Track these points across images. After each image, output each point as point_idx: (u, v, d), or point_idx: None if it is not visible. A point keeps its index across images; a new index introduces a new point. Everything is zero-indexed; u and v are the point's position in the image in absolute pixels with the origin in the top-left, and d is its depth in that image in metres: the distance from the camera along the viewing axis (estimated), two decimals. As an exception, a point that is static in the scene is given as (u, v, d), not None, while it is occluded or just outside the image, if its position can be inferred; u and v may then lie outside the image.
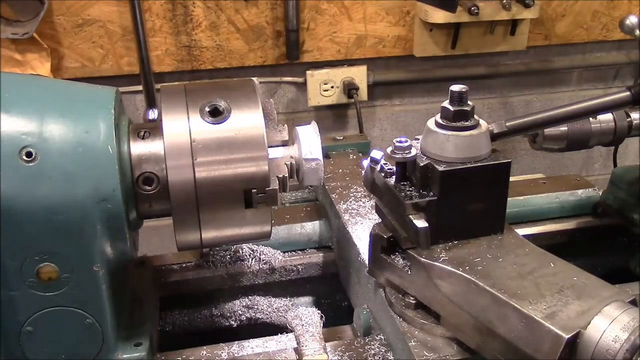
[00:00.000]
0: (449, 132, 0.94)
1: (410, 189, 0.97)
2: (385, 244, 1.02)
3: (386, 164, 1.02)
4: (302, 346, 1.05)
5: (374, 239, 1.04)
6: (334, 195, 1.35)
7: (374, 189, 1.04)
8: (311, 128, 1.07)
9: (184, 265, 1.31)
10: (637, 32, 1.45)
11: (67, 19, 2.11)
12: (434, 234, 0.94)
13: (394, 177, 0.99)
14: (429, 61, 2.45)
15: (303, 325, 1.11)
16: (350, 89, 2.36)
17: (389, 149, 0.96)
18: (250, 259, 1.31)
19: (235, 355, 1.09)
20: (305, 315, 1.13)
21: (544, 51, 2.55)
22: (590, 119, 1.29)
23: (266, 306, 1.30)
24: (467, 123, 0.95)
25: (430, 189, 0.95)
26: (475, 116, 0.97)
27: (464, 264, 0.93)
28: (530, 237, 1.43)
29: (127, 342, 1.03)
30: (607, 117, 1.29)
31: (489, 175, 0.96)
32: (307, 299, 1.39)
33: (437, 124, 0.96)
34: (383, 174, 1.01)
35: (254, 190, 0.97)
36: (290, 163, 1.04)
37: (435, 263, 0.94)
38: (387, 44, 2.37)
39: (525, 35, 2.41)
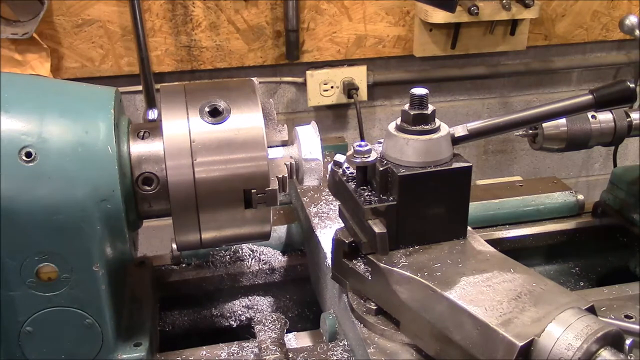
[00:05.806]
0: (409, 136, 0.93)
1: (370, 193, 0.95)
2: (347, 249, 0.99)
3: (348, 167, 0.99)
4: (263, 352, 1.03)
5: (336, 244, 1.02)
6: (305, 199, 1.33)
7: (338, 193, 1.02)
8: (311, 128, 1.07)
9: (184, 265, 1.31)
10: (637, 32, 1.45)
11: (67, 19, 2.11)
12: (394, 239, 0.93)
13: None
14: (429, 61, 2.45)
15: (266, 331, 1.09)
16: (350, 89, 2.36)
17: (348, 153, 0.95)
18: (250, 259, 1.31)
19: (235, 355, 1.09)
20: (268, 320, 1.11)
21: (543, 51, 2.55)
22: (591, 119, 1.28)
23: (266, 306, 1.30)
24: (427, 127, 0.94)
25: (390, 194, 0.93)
26: (437, 120, 0.95)
27: (423, 269, 0.90)
28: (530, 237, 1.43)
29: (127, 342, 1.03)
30: (607, 117, 1.29)
31: (449, 180, 0.94)
32: (306, 299, 1.39)
33: (398, 128, 0.95)
34: (345, 178, 0.99)
35: (253, 191, 0.97)
36: (290, 163, 1.04)
37: (394, 269, 0.91)
38: (387, 44, 2.37)
39: (525, 35, 2.41)
